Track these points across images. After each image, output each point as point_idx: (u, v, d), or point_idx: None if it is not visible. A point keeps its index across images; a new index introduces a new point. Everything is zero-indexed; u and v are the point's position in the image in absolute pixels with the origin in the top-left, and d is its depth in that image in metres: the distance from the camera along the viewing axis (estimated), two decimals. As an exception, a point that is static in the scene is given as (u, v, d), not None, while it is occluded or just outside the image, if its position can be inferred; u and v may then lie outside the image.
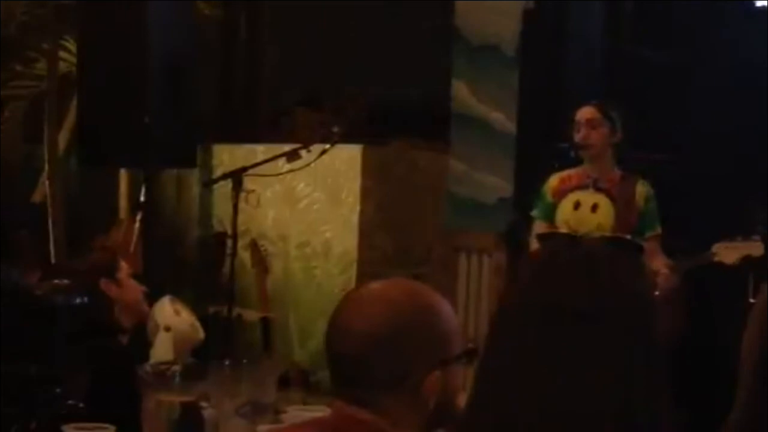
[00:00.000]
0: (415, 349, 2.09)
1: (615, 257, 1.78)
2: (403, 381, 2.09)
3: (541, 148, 6.31)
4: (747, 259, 5.13)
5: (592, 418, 1.63)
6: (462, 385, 2.17)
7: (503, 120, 7.00)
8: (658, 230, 5.49)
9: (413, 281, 2.23)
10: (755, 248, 5.13)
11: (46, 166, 8.52)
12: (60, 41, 8.70)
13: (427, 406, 2.10)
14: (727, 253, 5.18)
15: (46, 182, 8.53)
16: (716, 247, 5.19)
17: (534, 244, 5.60)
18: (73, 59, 7.97)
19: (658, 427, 1.67)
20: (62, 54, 8.69)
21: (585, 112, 5.55)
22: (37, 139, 8.69)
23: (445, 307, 2.17)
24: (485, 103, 7.08)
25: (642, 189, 5.53)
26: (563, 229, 5.50)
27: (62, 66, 8.65)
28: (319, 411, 3.16)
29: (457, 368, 2.14)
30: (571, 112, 5.61)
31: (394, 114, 8.27)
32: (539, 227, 5.64)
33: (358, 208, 7.42)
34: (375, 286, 2.21)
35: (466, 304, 7.06)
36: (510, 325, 1.74)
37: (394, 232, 7.48)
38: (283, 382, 4.09)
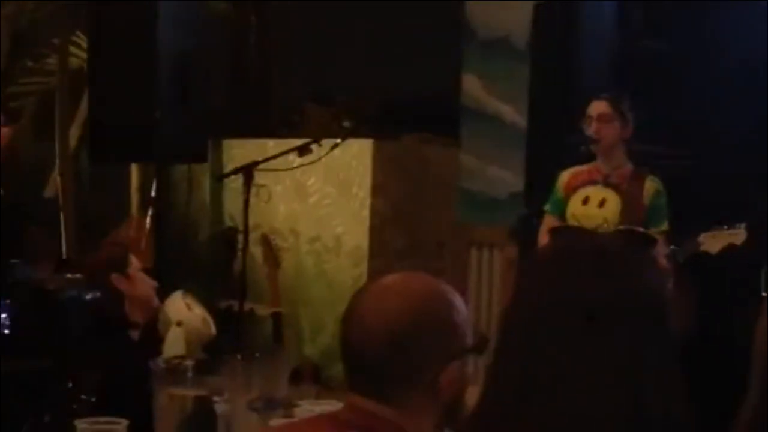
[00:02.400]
0: (434, 341, 2.10)
1: (626, 251, 1.77)
2: (421, 374, 2.09)
3: (552, 142, 6.30)
4: (730, 248, 5.14)
5: (604, 417, 1.62)
6: (472, 378, 2.19)
7: (514, 114, 7.00)
8: (664, 226, 5.47)
9: (424, 273, 2.23)
10: (737, 237, 5.15)
11: (58, 162, 8.53)
12: (71, 37, 8.71)
13: (443, 398, 2.11)
14: (712, 242, 5.20)
15: (58, 178, 8.54)
16: (702, 237, 5.22)
17: (543, 238, 5.60)
18: (84, 55, 7.97)
19: (672, 427, 1.66)
20: (73, 49, 8.69)
21: (597, 107, 5.55)
22: (49, 134, 8.71)
23: (457, 298, 2.17)
24: (496, 96, 7.08)
25: (651, 185, 5.52)
26: (572, 224, 5.51)
27: (73, 62, 8.66)
28: (331, 405, 3.16)
29: (469, 360, 2.15)
30: (582, 105, 5.61)
31: (404, 108, 8.27)
32: (549, 221, 5.66)
33: (369, 202, 7.42)
34: (389, 279, 2.19)
35: (478, 298, 7.06)
36: (521, 322, 1.73)
37: (405, 226, 7.48)
38: (295, 377, 4.09)
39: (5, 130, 6.23)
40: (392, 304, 2.11)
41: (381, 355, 2.07)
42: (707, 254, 5.22)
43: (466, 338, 2.14)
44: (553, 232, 5.48)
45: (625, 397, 1.62)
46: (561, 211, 5.63)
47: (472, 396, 2.00)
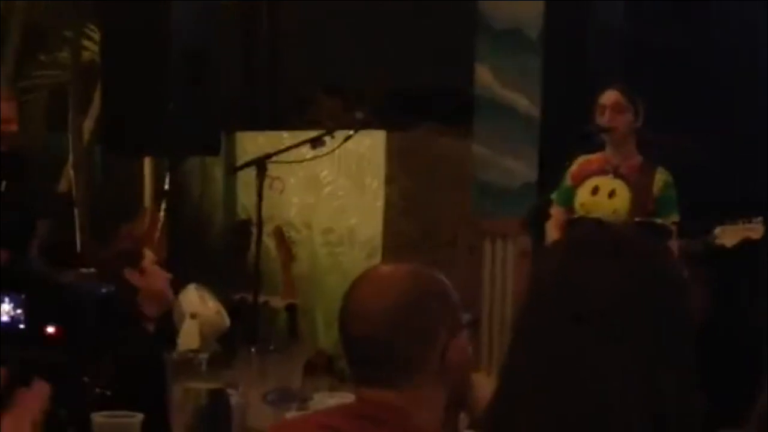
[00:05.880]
0: (434, 317, 2.12)
1: (645, 242, 1.77)
2: (427, 353, 2.11)
3: (565, 132, 6.29)
4: (747, 242, 5.13)
5: (622, 408, 1.62)
6: (472, 362, 2.21)
7: (527, 104, 6.98)
8: (674, 218, 5.45)
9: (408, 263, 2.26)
10: (755, 231, 5.13)
11: (71, 155, 8.54)
12: (83, 29, 8.71)
13: (451, 377, 2.12)
14: (728, 235, 5.18)
15: (71, 171, 8.55)
16: (718, 230, 5.20)
17: (550, 229, 5.59)
18: (96, 47, 7.98)
19: (687, 414, 1.65)
20: (85, 42, 8.70)
21: (610, 96, 5.53)
22: (62, 128, 8.71)
23: (445, 279, 2.20)
24: (508, 87, 7.06)
25: (660, 177, 5.50)
26: (580, 213, 5.50)
27: (85, 54, 8.66)
28: (345, 397, 3.16)
29: (465, 338, 2.18)
30: (595, 95, 5.60)
31: (417, 100, 8.25)
32: (556, 212, 5.64)
33: (382, 194, 7.42)
34: (378, 270, 2.27)
35: (492, 289, 7.04)
36: (538, 312, 1.73)
37: (418, 217, 7.48)
38: (309, 369, 4.09)
39: (5, 104, 6.16)
40: (387, 289, 2.14)
41: (386, 341, 2.09)
42: (722, 247, 5.21)
43: (462, 313, 2.17)
44: (569, 223, 5.47)
45: (642, 387, 1.62)
46: (569, 201, 5.61)
47: (488, 388, 2.00)
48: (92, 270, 4.47)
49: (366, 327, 2.11)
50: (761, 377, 4.13)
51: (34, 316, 4.15)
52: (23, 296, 4.17)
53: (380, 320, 2.10)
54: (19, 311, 4.11)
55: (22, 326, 4.12)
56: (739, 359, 5.30)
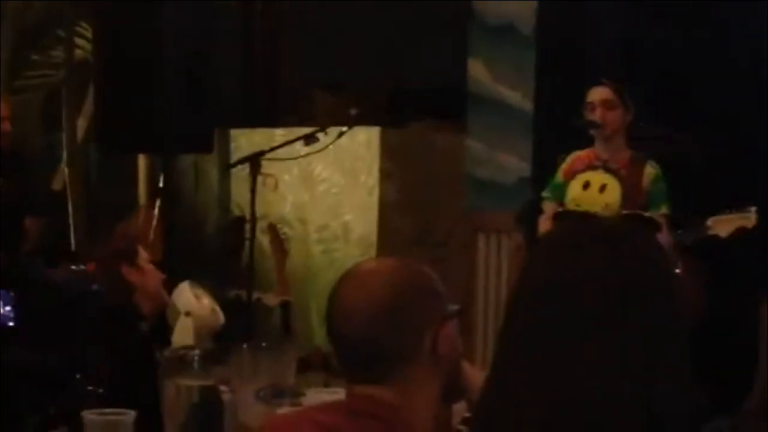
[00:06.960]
0: (419, 309, 2.13)
1: (634, 235, 1.77)
2: (415, 345, 2.11)
3: (559, 128, 6.29)
4: (741, 231, 5.14)
5: (613, 403, 1.61)
6: (462, 351, 2.21)
7: (520, 99, 6.99)
8: (664, 210, 5.47)
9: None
10: (748, 220, 5.14)
11: (65, 154, 8.53)
12: (75, 28, 8.70)
13: (443, 368, 2.13)
14: (721, 225, 5.18)
15: (65, 170, 8.54)
16: (711, 221, 5.21)
17: (543, 224, 5.60)
18: (89, 46, 7.96)
19: (681, 411, 1.65)
20: (78, 41, 8.68)
21: (599, 93, 5.54)
22: (56, 127, 8.70)
23: (433, 272, 2.21)
24: (502, 82, 7.07)
25: (650, 170, 5.52)
26: (571, 208, 5.51)
27: (78, 53, 8.65)
28: (339, 393, 3.16)
29: (454, 328, 2.18)
30: (589, 90, 5.61)
31: (411, 95, 8.24)
32: (548, 207, 5.66)
33: (376, 190, 7.40)
34: (363, 265, 2.26)
35: (486, 284, 7.05)
36: (526, 306, 1.73)
37: (413, 213, 7.47)
38: (304, 365, 4.09)
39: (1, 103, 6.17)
40: (371, 284, 2.14)
41: (374, 336, 2.09)
42: (716, 238, 5.21)
43: (448, 304, 2.18)
44: (557, 216, 5.48)
45: (633, 380, 1.61)
46: (560, 197, 5.63)
47: (478, 380, 1.99)
48: (83, 268, 4.46)
49: (353, 323, 2.11)
50: (757, 369, 4.14)
51: (27, 314, 4.15)
52: (13, 294, 4.17)
53: (367, 316, 2.10)
54: (8, 309, 4.11)
55: (11, 324, 4.12)
56: (734, 350, 5.31)
